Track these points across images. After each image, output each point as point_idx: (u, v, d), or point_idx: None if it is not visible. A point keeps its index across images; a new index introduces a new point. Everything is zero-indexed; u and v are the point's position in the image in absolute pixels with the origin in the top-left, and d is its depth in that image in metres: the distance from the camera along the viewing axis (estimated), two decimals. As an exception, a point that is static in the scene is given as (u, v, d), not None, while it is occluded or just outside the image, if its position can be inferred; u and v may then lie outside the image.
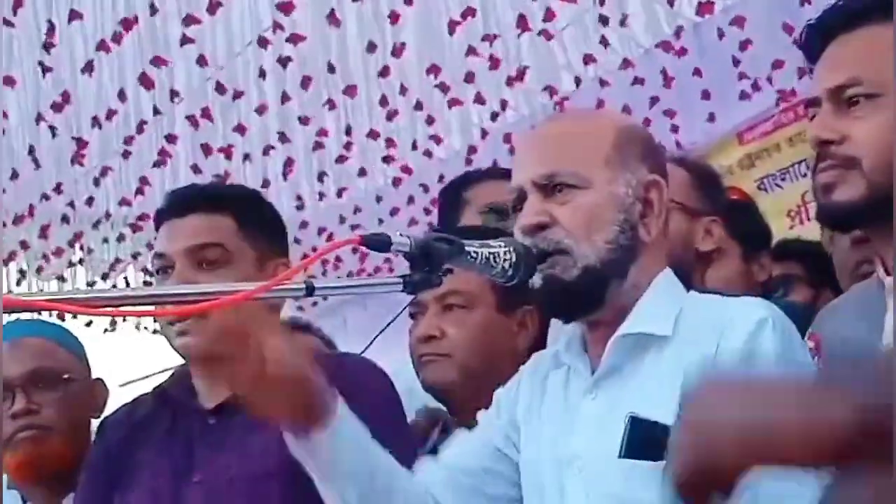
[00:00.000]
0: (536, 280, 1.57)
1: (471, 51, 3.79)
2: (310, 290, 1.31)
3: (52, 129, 3.85)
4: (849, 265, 2.20)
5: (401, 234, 1.42)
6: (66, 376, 2.20)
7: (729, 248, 2.44)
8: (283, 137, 4.15)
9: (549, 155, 1.61)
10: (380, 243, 1.40)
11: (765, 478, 1.39)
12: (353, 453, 1.54)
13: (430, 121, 4.20)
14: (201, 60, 3.70)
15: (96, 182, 4.31)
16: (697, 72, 3.93)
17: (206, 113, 3.96)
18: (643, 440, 1.48)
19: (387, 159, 4.45)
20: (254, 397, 1.47)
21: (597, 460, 1.52)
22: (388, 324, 1.45)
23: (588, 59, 3.90)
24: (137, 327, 5.00)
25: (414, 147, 4.38)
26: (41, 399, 2.15)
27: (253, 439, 1.86)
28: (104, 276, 5.03)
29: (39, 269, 4.89)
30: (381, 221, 4.77)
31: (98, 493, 1.97)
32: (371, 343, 1.57)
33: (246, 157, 4.23)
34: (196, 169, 4.22)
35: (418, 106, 4.09)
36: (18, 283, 4.87)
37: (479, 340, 2.02)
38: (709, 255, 2.19)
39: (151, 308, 1.35)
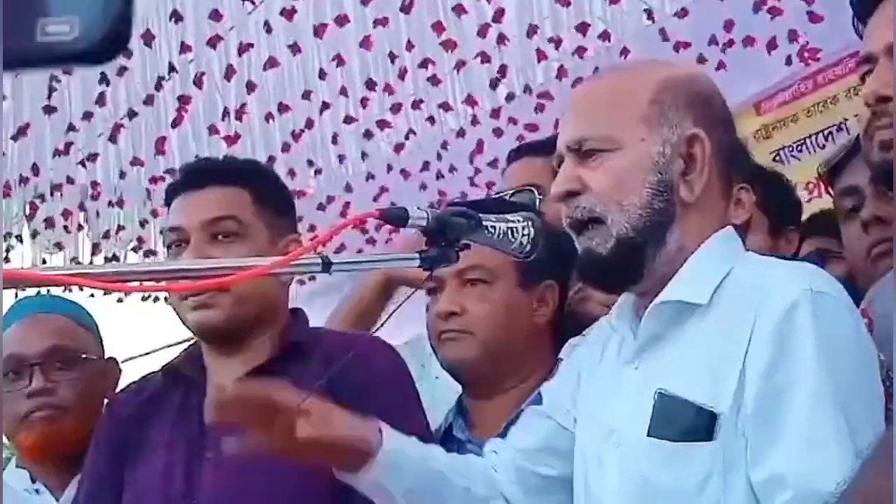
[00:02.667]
0: (579, 250, 1.52)
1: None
2: (326, 266, 1.28)
3: (52, 89, 3.80)
4: (862, 248, 2.13)
5: (418, 208, 1.39)
6: (83, 356, 2.18)
7: (756, 220, 2.37)
8: (305, 95, 4.07)
9: (582, 118, 1.55)
10: (397, 218, 1.37)
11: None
12: (402, 479, 1.55)
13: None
14: (214, 16, 3.63)
15: (113, 138, 4.23)
16: (714, 39, 3.87)
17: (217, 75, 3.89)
18: (669, 418, 1.42)
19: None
20: (292, 456, 1.52)
21: (631, 437, 1.46)
22: (403, 301, 1.42)
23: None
24: (144, 299, 4.95)
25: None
26: (58, 378, 2.13)
27: None
28: (96, 247, 4.98)
29: (35, 235, 4.84)
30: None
31: (106, 471, 1.95)
32: (384, 322, 1.54)
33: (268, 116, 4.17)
34: (212, 130, 4.17)
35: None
36: (9, 251, 4.82)
37: (500, 316, 1.97)
38: (744, 228, 2.09)
39: (164, 283, 1.32)
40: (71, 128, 4.08)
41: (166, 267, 1.26)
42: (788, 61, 3.88)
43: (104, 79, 3.86)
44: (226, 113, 4.06)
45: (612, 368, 1.57)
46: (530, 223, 1.52)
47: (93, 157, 4.31)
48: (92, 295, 4.84)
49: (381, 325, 1.57)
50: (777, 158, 4.05)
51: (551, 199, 1.54)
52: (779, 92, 4.11)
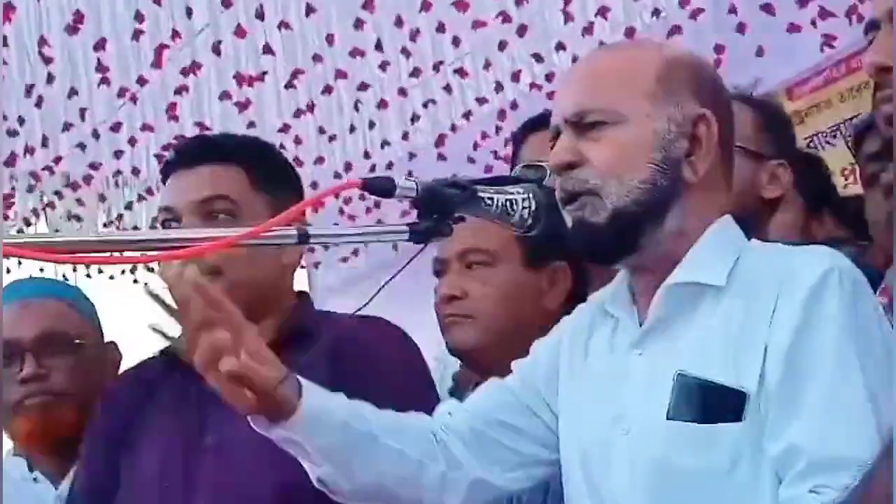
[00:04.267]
0: (569, 221, 1.46)
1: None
2: (302, 238, 1.20)
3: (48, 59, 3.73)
4: (882, 213, 2.05)
5: (407, 178, 1.30)
6: (78, 341, 2.11)
7: (791, 199, 2.31)
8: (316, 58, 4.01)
9: (584, 90, 1.48)
10: (383, 188, 1.28)
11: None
12: (322, 438, 1.47)
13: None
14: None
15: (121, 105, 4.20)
16: (742, 28, 3.77)
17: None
18: (692, 400, 1.36)
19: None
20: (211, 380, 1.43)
21: (643, 422, 1.41)
22: (389, 280, 1.34)
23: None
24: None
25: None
26: (52, 364, 2.07)
27: None
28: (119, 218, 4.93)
29: (52, 205, 4.80)
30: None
31: (103, 458, 1.89)
32: (371, 299, 1.45)
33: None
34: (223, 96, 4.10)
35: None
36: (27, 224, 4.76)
37: (504, 299, 1.89)
38: (774, 203, 2.02)
39: (137, 255, 1.23)
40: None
41: (133, 238, 1.18)
42: (822, 48, 3.77)
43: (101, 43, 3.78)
44: (238, 79, 3.99)
45: (607, 356, 1.52)
46: (531, 195, 1.44)
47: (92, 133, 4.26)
48: (128, 271, 4.78)
49: (369, 301, 1.47)
50: (811, 144, 3.94)
51: (550, 170, 1.47)
52: (812, 77, 4.00)
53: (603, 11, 3.82)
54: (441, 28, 3.89)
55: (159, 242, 1.21)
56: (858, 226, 2.53)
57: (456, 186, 1.35)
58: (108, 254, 1.20)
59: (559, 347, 1.60)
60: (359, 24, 3.82)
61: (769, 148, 2.01)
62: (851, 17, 3.61)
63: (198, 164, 1.85)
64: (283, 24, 3.79)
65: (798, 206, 2.38)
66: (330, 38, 3.89)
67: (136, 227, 4.91)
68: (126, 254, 1.25)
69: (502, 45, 4.01)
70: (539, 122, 2.31)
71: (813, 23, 3.67)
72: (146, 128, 4.26)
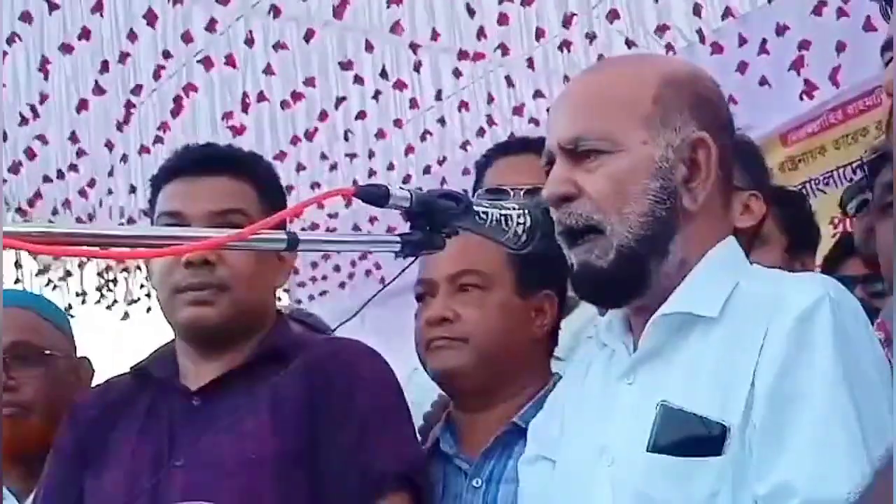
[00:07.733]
0: (574, 263, 1.41)
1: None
2: (292, 243, 1.16)
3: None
4: (891, 244, 2.01)
5: (400, 187, 1.27)
6: (48, 352, 2.07)
7: (773, 237, 2.28)
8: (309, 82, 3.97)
9: (579, 115, 1.43)
10: (376, 196, 1.24)
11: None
12: None
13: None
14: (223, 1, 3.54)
15: (119, 127, 4.15)
16: (742, 66, 3.76)
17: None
18: (673, 432, 1.32)
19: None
20: None
21: (626, 454, 1.36)
22: (374, 296, 1.29)
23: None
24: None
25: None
26: (21, 376, 2.03)
27: (243, 423, 1.73)
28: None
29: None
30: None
31: (67, 476, 1.83)
32: (353, 316, 1.41)
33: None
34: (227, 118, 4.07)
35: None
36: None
37: (497, 324, 1.82)
38: (748, 233, 1.99)
39: (126, 250, 1.18)
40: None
41: (129, 233, 1.14)
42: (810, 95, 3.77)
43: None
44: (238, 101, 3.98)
45: (600, 386, 1.48)
46: (526, 212, 1.40)
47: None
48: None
49: (353, 315, 1.44)
50: (803, 191, 3.92)
51: (545, 202, 1.42)
52: (807, 123, 3.98)
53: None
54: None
55: (154, 239, 1.16)
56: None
57: (450, 198, 1.32)
58: (103, 247, 1.15)
59: (564, 387, 1.57)
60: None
61: (740, 179, 1.99)
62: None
63: (210, 174, 1.80)
64: (281, 46, 3.77)
65: (780, 245, 2.36)
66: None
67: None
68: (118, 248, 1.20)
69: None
70: (510, 146, 2.30)
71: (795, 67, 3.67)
72: (142, 150, 4.22)
